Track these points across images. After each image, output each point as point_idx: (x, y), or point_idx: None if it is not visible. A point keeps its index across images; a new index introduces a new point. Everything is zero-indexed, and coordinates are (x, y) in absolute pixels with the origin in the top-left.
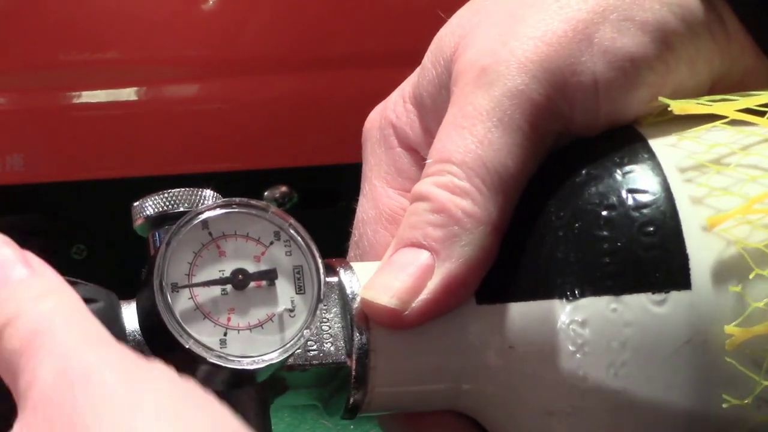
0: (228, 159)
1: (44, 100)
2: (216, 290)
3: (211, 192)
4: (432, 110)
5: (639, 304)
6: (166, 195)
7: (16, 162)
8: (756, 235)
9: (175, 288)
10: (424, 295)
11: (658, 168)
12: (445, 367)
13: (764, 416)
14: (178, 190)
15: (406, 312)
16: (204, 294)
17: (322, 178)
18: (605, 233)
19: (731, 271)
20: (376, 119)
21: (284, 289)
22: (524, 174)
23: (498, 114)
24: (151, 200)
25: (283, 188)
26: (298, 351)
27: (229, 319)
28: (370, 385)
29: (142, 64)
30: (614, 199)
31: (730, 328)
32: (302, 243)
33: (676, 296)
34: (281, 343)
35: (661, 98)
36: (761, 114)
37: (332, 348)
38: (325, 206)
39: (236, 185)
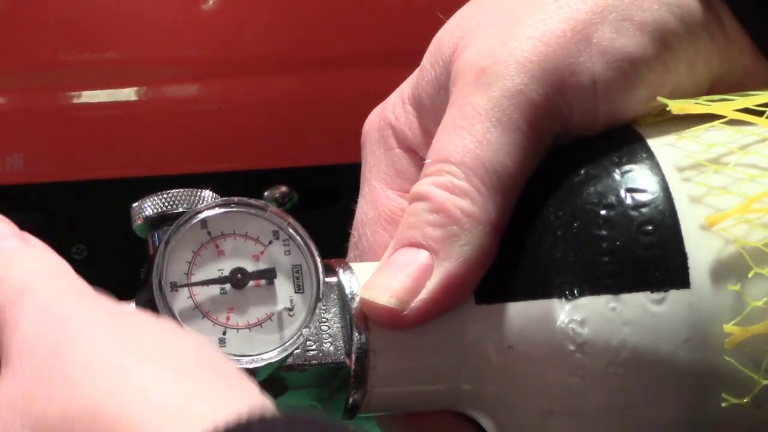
0: (228, 159)
1: (44, 100)
2: (215, 289)
3: (210, 192)
4: (431, 111)
5: (638, 303)
6: (165, 196)
7: (16, 162)
8: (755, 234)
9: (174, 287)
10: (423, 294)
11: (656, 167)
12: (445, 367)
13: (763, 415)
14: (177, 190)
15: (405, 312)
16: (203, 293)
17: (322, 178)
18: (604, 232)
19: (730, 269)
20: (375, 121)
21: (283, 288)
22: (523, 174)
23: (497, 114)
24: (149, 201)
25: (283, 188)
26: (297, 351)
27: (228, 318)
28: (370, 385)
29: (142, 64)
30: (613, 198)
31: (729, 327)
32: (301, 242)
33: (675, 295)
34: (280, 342)
35: (659, 98)
36: (760, 114)
37: (331, 348)
38: (325, 206)
39: (236, 185)
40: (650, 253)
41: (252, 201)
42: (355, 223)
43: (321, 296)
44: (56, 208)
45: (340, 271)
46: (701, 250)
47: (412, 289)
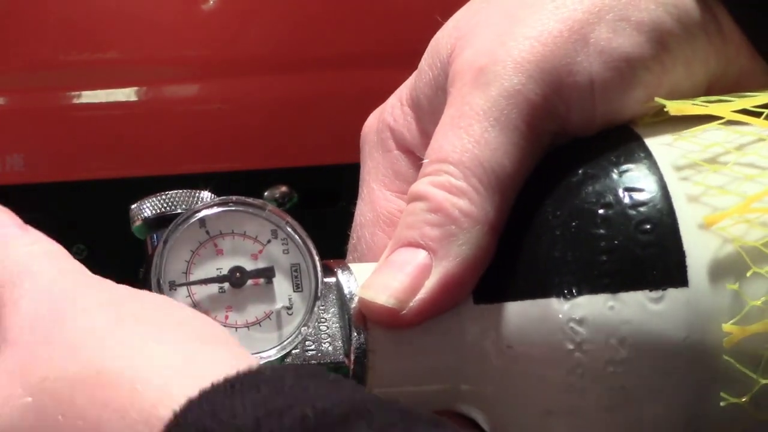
0: (228, 159)
1: (44, 100)
2: (213, 288)
3: (209, 193)
4: (429, 112)
5: (636, 302)
6: (163, 197)
7: (16, 162)
8: (753, 234)
9: (173, 286)
10: (422, 294)
11: (654, 167)
12: (443, 367)
13: (762, 415)
14: (176, 191)
15: (404, 311)
16: (201, 292)
17: (322, 178)
18: (602, 231)
19: (728, 268)
20: (373, 123)
21: (282, 286)
22: (521, 173)
23: (495, 114)
24: (148, 202)
25: (283, 188)
26: (296, 351)
27: (226, 317)
28: (369, 385)
29: (142, 64)
30: (611, 197)
31: (727, 326)
32: (299, 241)
33: (673, 293)
34: (279, 341)
35: (657, 99)
36: (757, 115)
37: (330, 348)
38: (324, 206)
39: (236, 185)
40: (648, 252)
41: (250, 200)
42: (353, 225)
43: (320, 295)
44: (56, 208)
45: (339, 272)
46: (699, 249)
47: (410, 288)
